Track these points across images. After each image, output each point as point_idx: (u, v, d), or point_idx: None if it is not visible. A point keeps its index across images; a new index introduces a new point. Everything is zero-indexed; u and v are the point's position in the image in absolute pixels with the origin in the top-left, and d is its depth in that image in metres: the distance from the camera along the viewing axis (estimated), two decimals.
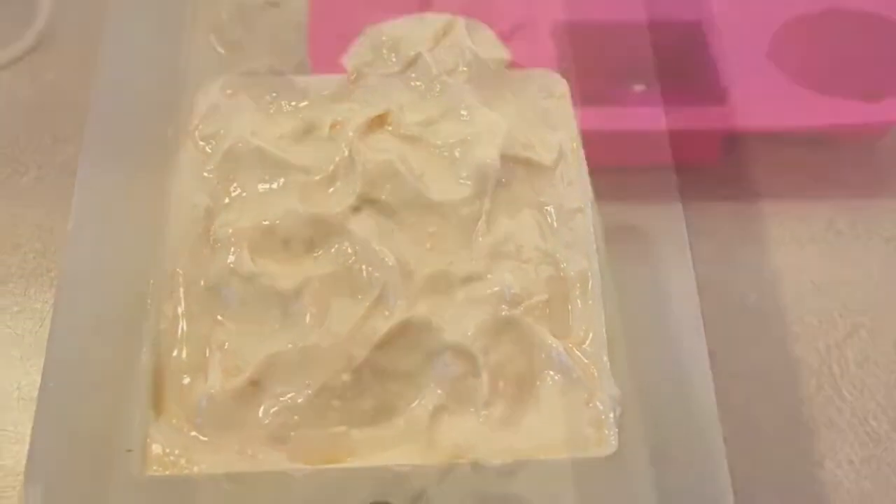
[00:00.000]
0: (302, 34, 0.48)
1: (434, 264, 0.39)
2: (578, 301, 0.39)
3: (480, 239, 0.40)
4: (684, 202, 0.46)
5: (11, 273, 0.45)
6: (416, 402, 0.37)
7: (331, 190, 0.41)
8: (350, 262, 0.39)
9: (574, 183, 0.42)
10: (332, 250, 0.40)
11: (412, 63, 0.45)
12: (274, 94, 0.44)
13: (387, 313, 0.38)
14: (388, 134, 0.43)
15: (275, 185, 0.41)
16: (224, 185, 0.41)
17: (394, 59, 0.45)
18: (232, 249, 0.39)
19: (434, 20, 0.46)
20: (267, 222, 0.40)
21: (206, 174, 0.41)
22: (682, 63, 0.53)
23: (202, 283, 0.39)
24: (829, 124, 0.51)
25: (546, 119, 0.43)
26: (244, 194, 0.41)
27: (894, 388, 0.44)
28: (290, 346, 0.37)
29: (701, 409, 0.38)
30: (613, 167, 0.43)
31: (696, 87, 0.53)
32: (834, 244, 0.49)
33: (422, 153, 0.42)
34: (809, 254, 0.49)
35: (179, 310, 0.38)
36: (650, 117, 0.49)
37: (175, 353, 0.37)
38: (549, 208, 0.41)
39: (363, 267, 0.39)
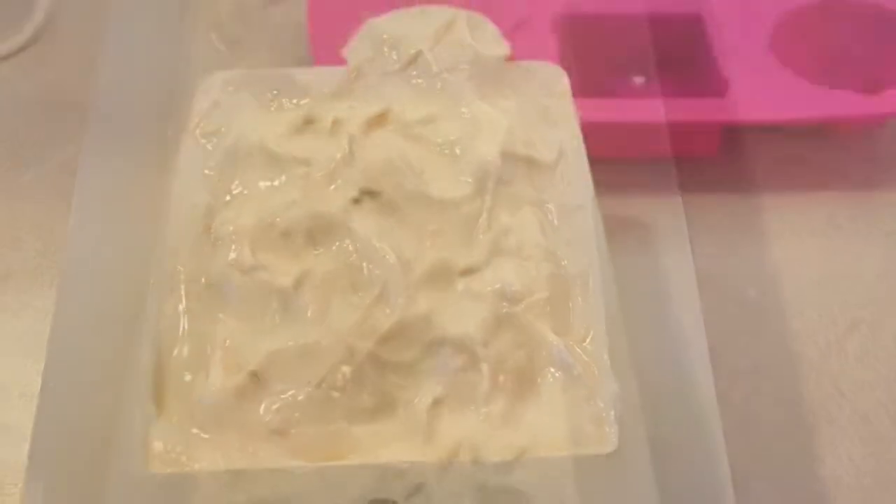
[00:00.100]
0: (302, 32, 0.48)
1: (434, 260, 0.39)
2: (579, 299, 0.38)
3: (481, 236, 0.40)
4: (684, 195, 0.46)
5: (12, 271, 0.45)
6: (416, 397, 0.37)
7: (332, 187, 0.41)
8: (351, 259, 0.39)
9: (575, 181, 0.41)
10: (334, 247, 0.39)
11: (413, 61, 0.45)
12: (275, 92, 0.44)
13: (388, 311, 0.38)
14: (388, 131, 0.43)
15: (276, 183, 0.41)
16: (225, 182, 0.41)
17: (395, 57, 0.45)
18: (233, 247, 0.39)
19: (436, 15, 0.46)
20: (268, 219, 0.40)
21: (207, 172, 0.41)
22: (682, 55, 0.53)
23: (203, 280, 0.39)
24: (830, 116, 0.51)
25: (547, 117, 0.43)
26: (245, 192, 0.41)
27: (895, 383, 0.44)
28: (291, 342, 0.37)
29: (701, 405, 0.38)
30: (613, 159, 0.43)
31: (695, 80, 0.53)
32: (834, 238, 0.49)
33: (422, 151, 0.42)
34: (809, 247, 0.49)
35: (180, 308, 0.38)
36: (650, 109, 0.50)
37: (176, 351, 0.37)
38: (549, 206, 0.41)
39: (364, 264, 0.39)
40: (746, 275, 0.47)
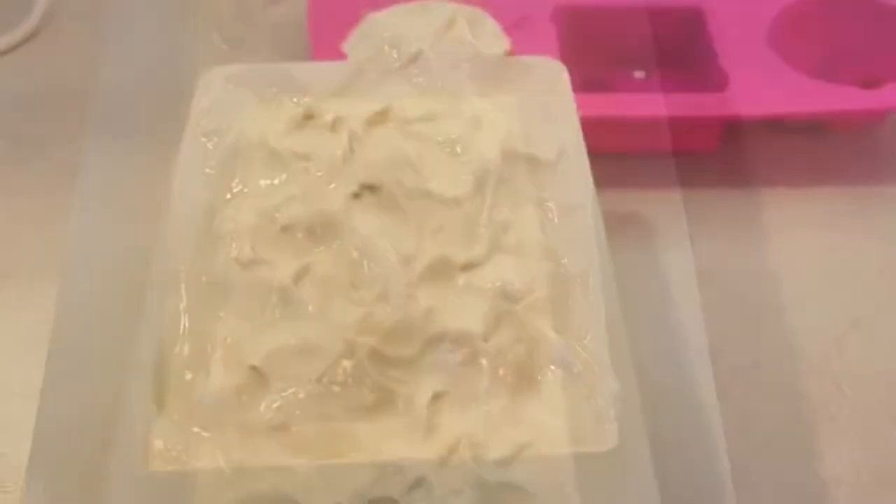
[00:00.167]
0: (303, 31, 0.48)
1: (435, 256, 0.39)
2: (579, 297, 0.38)
3: (481, 232, 0.40)
4: (684, 189, 0.46)
5: (13, 269, 0.45)
6: (416, 392, 0.37)
7: (332, 185, 0.41)
8: (351, 256, 0.39)
9: (575, 179, 0.41)
10: (334, 245, 0.39)
11: (413, 59, 0.45)
12: (275, 90, 0.44)
13: (388, 309, 0.38)
14: (389, 129, 0.43)
15: (276, 181, 0.41)
16: (226, 181, 0.41)
17: (395, 56, 0.45)
18: (234, 245, 0.39)
19: (436, 12, 0.46)
20: (269, 217, 0.40)
21: (207, 171, 0.41)
22: (682, 50, 0.54)
23: (203, 278, 0.39)
24: (829, 111, 0.51)
25: (547, 113, 0.43)
26: (246, 189, 0.41)
27: (894, 381, 0.44)
28: (291, 339, 0.37)
29: (701, 401, 0.38)
30: (613, 154, 0.43)
31: (695, 74, 0.53)
32: (834, 233, 0.49)
33: (423, 148, 0.42)
34: (809, 242, 0.49)
35: (181, 306, 0.38)
36: (650, 104, 0.50)
37: (177, 349, 0.37)
38: (550, 204, 0.41)
39: (365, 262, 0.39)
40: (746, 270, 0.47)
